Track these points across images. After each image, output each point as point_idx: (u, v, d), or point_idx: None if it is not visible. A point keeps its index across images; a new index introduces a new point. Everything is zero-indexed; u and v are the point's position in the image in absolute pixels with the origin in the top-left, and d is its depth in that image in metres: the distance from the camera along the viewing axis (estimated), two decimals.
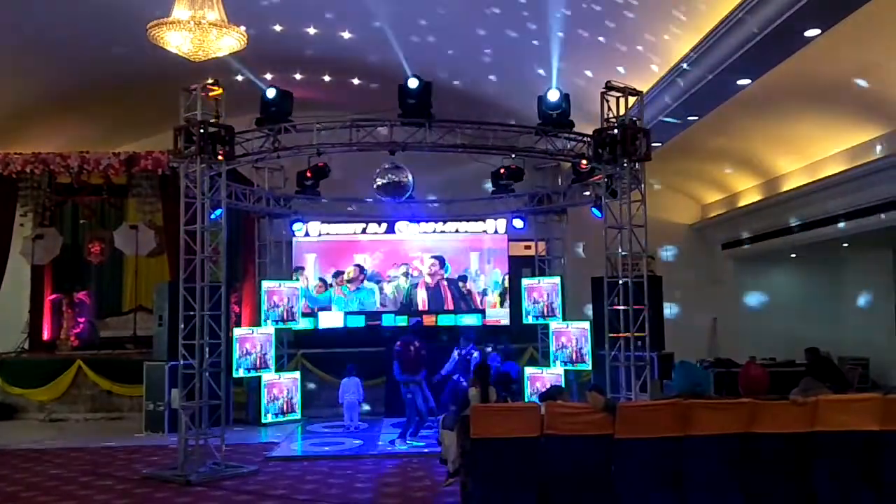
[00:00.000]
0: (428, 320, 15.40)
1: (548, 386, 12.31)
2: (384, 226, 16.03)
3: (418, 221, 15.91)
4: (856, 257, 16.09)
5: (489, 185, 15.21)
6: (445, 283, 15.95)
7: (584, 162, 11.81)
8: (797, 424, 6.85)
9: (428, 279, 15.89)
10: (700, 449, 6.80)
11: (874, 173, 12.11)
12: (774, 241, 16.03)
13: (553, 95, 10.74)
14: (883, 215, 12.31)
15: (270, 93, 10.72)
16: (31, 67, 13.45)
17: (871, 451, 6.81)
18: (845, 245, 15.20)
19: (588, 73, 12.79)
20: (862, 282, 16.20)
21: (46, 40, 12.61)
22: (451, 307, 15.89)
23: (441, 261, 15.98)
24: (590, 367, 13.32)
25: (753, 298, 18.27)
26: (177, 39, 9.45)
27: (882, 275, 15.59)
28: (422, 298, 15.84)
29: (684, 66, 11.08)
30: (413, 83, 10.42)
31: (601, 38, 11.87)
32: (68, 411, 14.49)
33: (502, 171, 14.27)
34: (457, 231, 16.04)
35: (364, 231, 15.94)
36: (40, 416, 14.36)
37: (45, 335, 16.38)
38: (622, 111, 10.46)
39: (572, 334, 13.59)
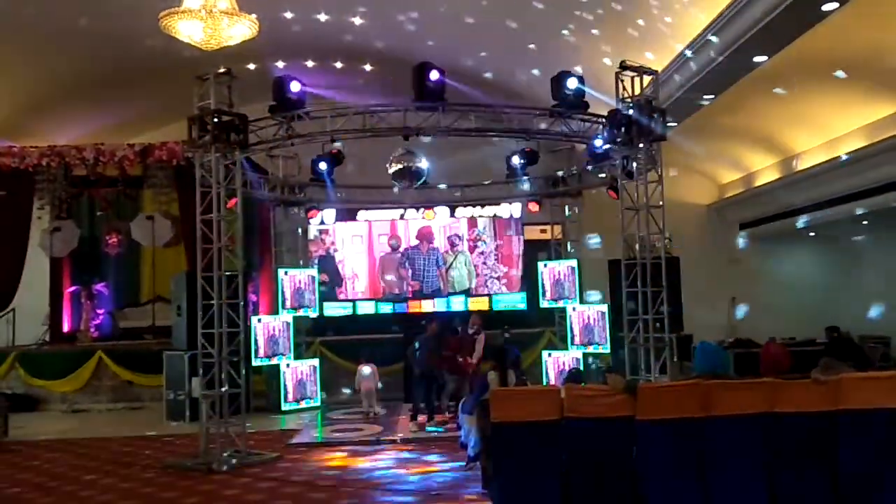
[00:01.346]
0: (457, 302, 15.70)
1: (567, 368, 12.33)
2: (400, 212, 16.08)
3: (433, 207, 15.93)
4: (876, 235, 15.94)
5: (504, 170, 15.13)
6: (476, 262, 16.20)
7: (599, 143, 11.73)
8: (820, 403, 6.78)
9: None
10: (722, 430, 6.76)
11: (894, 150, 11.97)
12: (793, 220, 15.90)
13: (571, 83, 10.62)
14: None
15: (295, 86, 10.55)
16: (45, 61, 13.53)
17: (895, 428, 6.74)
18: (864, 223, 15.06)
19: (604, 49, 12.67)
20: (882, 260, 16.05)
21: (60, 34, 12.67)
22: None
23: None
24: (608, 350, 13.30)
25: (772, 279, 18.16)
26: (188, 28, 9.45)
27: None
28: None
29: (700, 44, 10.97)
30: (424, 70, 10.33)
31: (617, 11, 11.74)
32: (90, 402, 14.65)
33: (517, 154, 14.20)
34: (472, 217, 16.12)
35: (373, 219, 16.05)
36: (63, 408, 14.53)
37: (66, 327, 16.54)
38: (637, 91, 10.37)
39: (590, 316, 13.57)
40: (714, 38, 10.69)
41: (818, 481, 6.69)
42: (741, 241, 18.28)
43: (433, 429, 11.48)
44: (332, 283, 15.89)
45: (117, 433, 12.05)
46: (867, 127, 12.66)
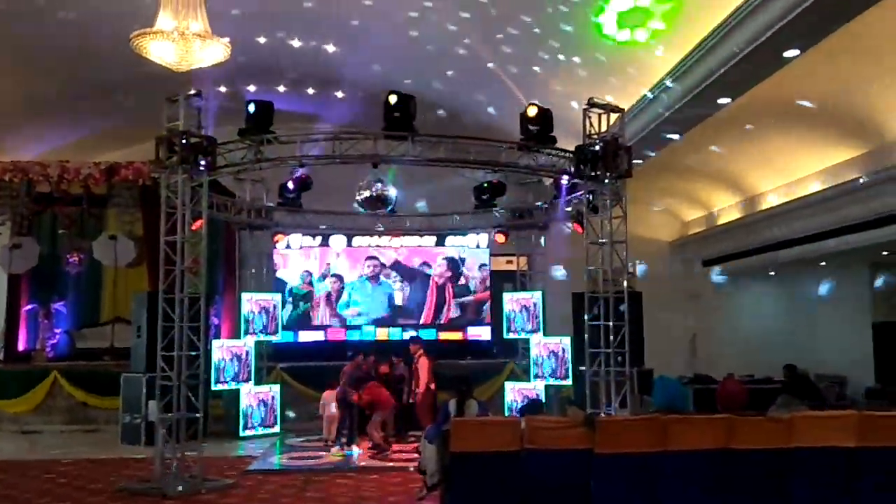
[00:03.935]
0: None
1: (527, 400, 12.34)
2: (366, 239, 16.06)
3: (400, 235, 15.95)
4: (833, 274, 16.26)
5: (472, 200, 15.22)
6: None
7: (565, 178, 11.87)
8: (775, 440, 6.89)
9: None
10: (679, 464, 6.83)
11: (852, 192, 12.27)
12: (754, 259, 16.16)
13: (532, 111, 10.79)
14: (858, 235, 12.47)
15: (253, 105, 10.67)
16: (11, 74, 13.37)
17: (848, 467, 6.86)
18: (822, 263, 15.37)
19: (570, 89, 12.89)
20: (839, 299, 16.37)
21: (27, 47, 12.55)
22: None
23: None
24: (570, 383, 13.34)
25: (732, 315, 18.39)
26: (160, 49, 9.42)
27: (859, 293, 15.78)
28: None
29: (667, 83, 11.20)
30: (392, 99, 10.43)
31: (585, 50, 11.97)
32: (43, 423, 14.29)
33: (485, 185, 14.32)
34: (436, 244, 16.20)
35: (350, 244, 16.02)
36: (13, 428, 14.16)
37: (21, 346, 16.17)
38: (604, 128, 10.54)
39: (554, 349, 13.63)
40: (676, 84, 10.94)
41: None
42: (715, 278, 18.46)
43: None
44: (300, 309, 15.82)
45: (69, 455, 11.79)
46: (828, 169, 12.96)
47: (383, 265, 16.08)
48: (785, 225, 14.59)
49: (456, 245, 16.28)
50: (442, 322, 16.09)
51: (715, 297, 18.58)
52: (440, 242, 16.27)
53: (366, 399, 11.86)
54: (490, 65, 12.89)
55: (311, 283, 15.93)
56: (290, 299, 15.71)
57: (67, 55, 12.97)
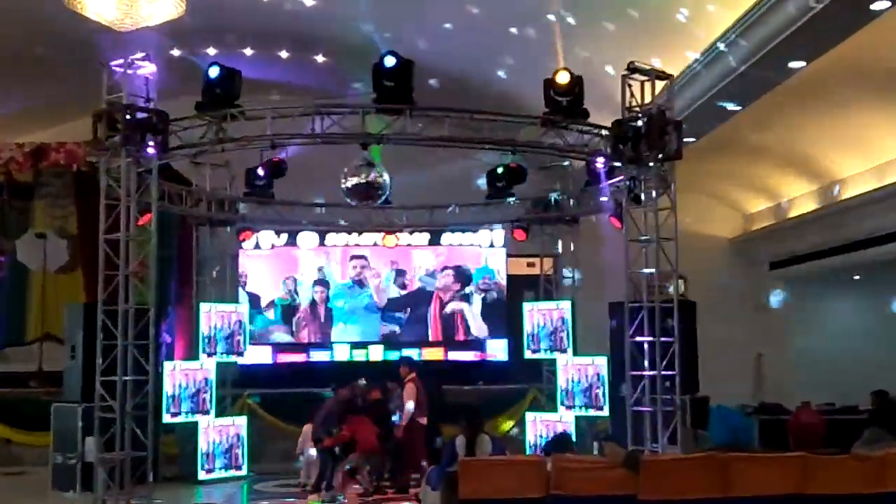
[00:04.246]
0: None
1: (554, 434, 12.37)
2: (354, 236, 16.09)
3: (395, 231, 15.96)
4: None
5: (484, 188, 15.22)
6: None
7: (600, 160, 11.87)
8: (860, 484, 6.89)
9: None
10: None
11: None
12: (834, 260, 16.14)
13: (562, 78, 10.77)
14: None
15: (213, 71, 10.68)
16: None
17: None
18: None
19: (608, 51, 12.89)
20: None
21: None
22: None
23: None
24: (607, 413, 13.34)
25: (808, 330, 18.36)
26: (98, 4, 9.47)
27: None
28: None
29: (723, 45, 11.19)
30: (390, 61, 10.43)
31: (624, 10, 11.98)
32: None
33: (500, 170, 14.32)
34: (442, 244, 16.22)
35: (323, 243, 16.09)
36: None
37: None
38: (648, 99, 10.54)
39: (585, 372, 13.64)
40: (741, 40, 10.91)
41: None
42: (777, 297, 18.42)
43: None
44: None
45: None
46: None
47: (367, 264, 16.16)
48: (873, 218, 14.56)
49: (464, 244, 16.26)
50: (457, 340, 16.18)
51: (787, 308, 18.54)
52: (435, 241, 16.26)
53: (345, 435, 11.88)
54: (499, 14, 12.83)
55: (294, 293, 15.98)
56: (271, 312, 15.80)
57: None
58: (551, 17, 12.69)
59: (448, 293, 16.24)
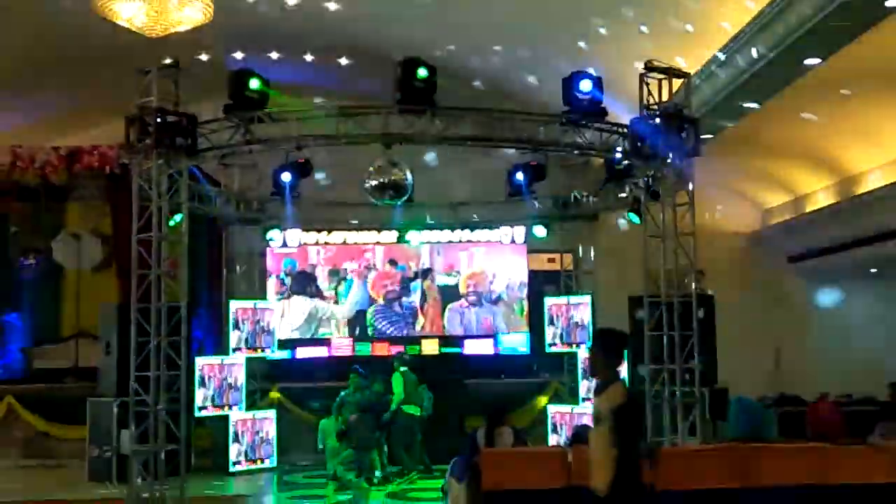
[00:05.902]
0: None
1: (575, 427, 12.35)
2: (374, 234, 16.12)
3: (419, 229, 15.98)
4: None
5: (504, 187, 15.22)
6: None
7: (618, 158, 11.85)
8: (878, 474, 6.86)
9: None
10: (762, 503, 6.82)
11: None
12: (852, 253, 16.04)
13: (585, 86, 10.72)
14: None
15: (255, 82, 10.60)
16: None
17: None
18: None
19: (626, 50, 12.86)
20: None
21: None
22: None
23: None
24: None
25: (826, 323, 18.24)
26: (129, 11, 9.55)
27: None
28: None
29: (740, 42, 11.15)
30: (422, 72, 10.38)
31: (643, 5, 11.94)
32: None
33: (521, 169, 14.32)
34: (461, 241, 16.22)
35: (344, 242, 16.09)
36: None
37: None
38: (665, 97, 10.51)
39: None
40: (757, 38, 10.86)
41: None
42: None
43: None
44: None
45: (26, 496, 11.92)
46: None
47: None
48: (890, 212, 14.46)
49: (483, 241, 16.23)
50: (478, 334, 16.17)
51: (804, 302, 18.42)
52: (455, 239, 16.17)
53: None
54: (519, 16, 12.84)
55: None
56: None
57: (21, 22, 13.13)
58: (571, 16, 12.68)
59: (469, 289, 16.23)
